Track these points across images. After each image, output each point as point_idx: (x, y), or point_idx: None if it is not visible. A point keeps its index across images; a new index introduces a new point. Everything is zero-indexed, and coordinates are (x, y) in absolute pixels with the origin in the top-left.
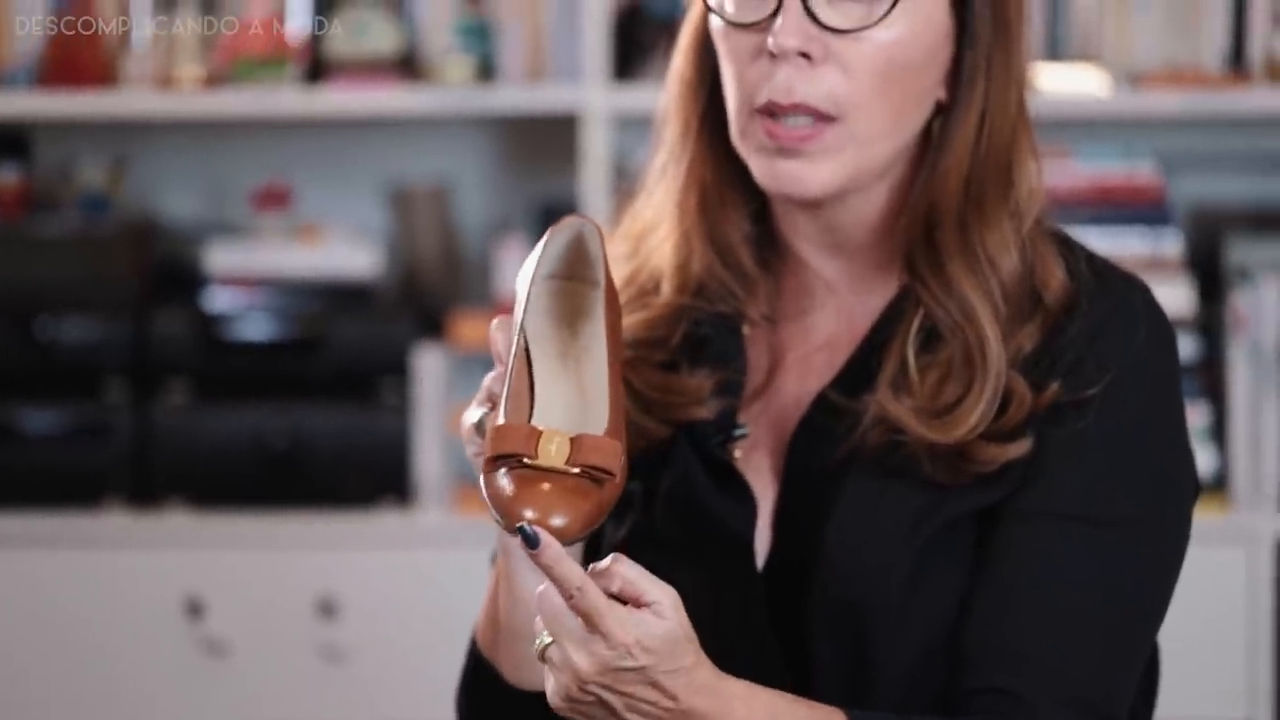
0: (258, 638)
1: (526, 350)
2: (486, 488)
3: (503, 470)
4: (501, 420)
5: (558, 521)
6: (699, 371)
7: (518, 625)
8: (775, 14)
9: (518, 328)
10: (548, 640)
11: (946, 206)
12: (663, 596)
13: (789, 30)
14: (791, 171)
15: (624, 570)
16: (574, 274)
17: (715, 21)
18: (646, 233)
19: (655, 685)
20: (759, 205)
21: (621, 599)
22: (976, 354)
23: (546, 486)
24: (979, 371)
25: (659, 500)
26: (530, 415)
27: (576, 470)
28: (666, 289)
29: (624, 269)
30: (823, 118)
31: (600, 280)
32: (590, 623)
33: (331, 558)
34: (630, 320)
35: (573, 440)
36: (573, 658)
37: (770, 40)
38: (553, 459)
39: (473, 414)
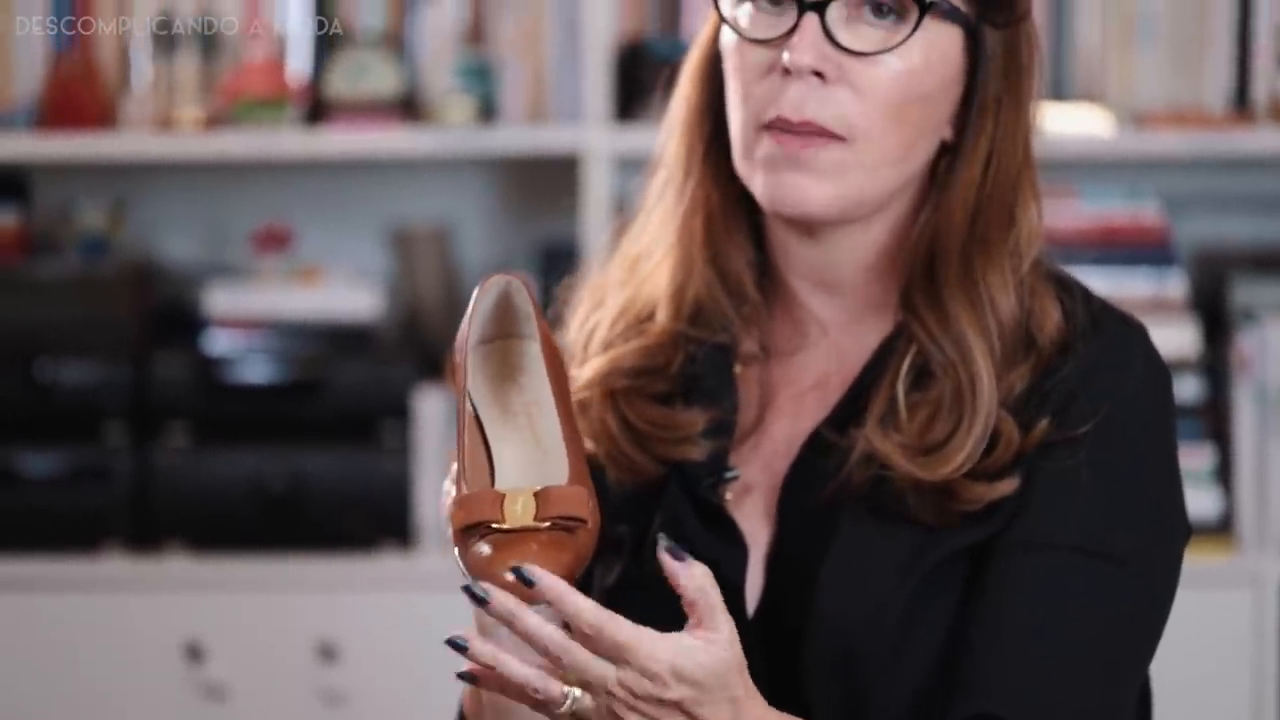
0: (258, 681)
1: (477, 417)
2: (463, 560)
3: (475, 540)
4: (464, 492)
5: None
6: (692, 409)
7: (502, 704)
8: (791, 32)
9: (464, 398)
10: (577, 695)
11: (950, 242)
12: (724, 627)
13: (805, 48)
14: (795, 184)
15: (708, 587)
16: (506, 332)
17: (727, 37)
18: (642, 257)
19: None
20: (761, 235)
21: (687, 607)
22: (967, 392)
23: (521, 547)
24: (968, 410)
25: (649, 544)
26: (493, 480)
27: (547, 524)
28: (662, 316)
29: (619, 296)
30: (830, 136)
31: (534, 333)
32: (619, 657)
33: (332, 601)
34: (627, 349)
35: (537, 495)
36: (611, 694)
37: (785, 56)
38: (520, 518)
39: (453, 491)
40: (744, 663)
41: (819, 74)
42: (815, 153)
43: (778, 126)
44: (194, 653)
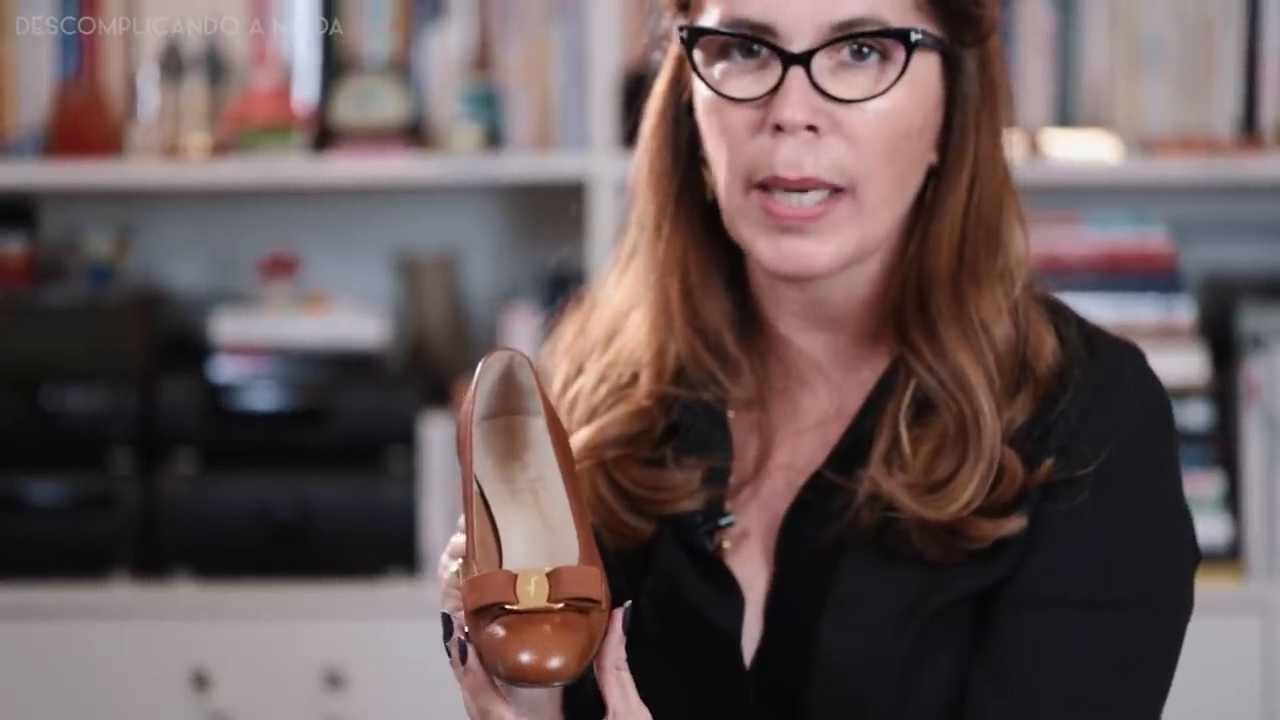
0: (264, 709)
1: (482, 495)
2: (474, 641)
3: (488, 622)
4: (475, 572)
5: (555, 662)
6: (686, 461)
7: None
8: (777, 87)
9: (470, 478)
10: None
11: (940, 272)
12: None
13: (796, 104)
14: (799, 250)
15: None
16: (510, 409)
17: (703, 95)
18: (619, 319)
19: None
20: (739, 278)
21: None
22: (970, 426)
23: (535, 628)
24: (973, 444)
25: (644, 595)
26: (500, 559)
27: (561, 605)
28: (644, 379)
29: (599, 363)
30: (832, 190)
31: (539, 409)
32: None
33: (338, 629)
34: (612, 416)
35: (549, 576)
36: None
37: (777, 114)
38: (533, 600)
39: (451, 566)
40: None
41: (812, 127)
42: (816, 222)
43: (767, 187)
44: (200, 681)
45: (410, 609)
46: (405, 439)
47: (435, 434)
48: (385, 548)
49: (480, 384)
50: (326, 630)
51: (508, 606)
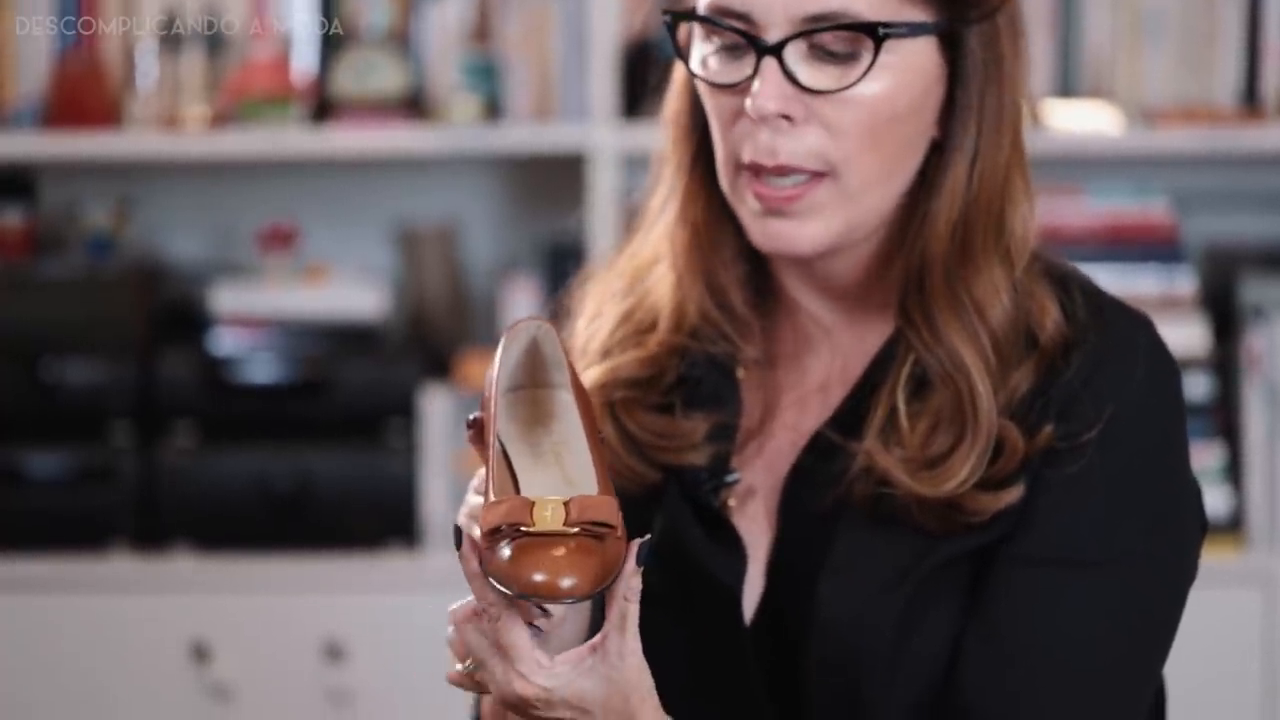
0: (265, 682)
1: (505, 456)
2: (487, 562)
3: (502, 542)
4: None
5: (568, 582)
6: (694, 415)
7: None
8: (753, 76)
9: (493, 439)
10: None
11: (935, 254)
12: (629, 648)
13: (767, 94)
14: (783, 231)
15: (634, 600)
16: (536, 381)
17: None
18: (644, 268)
19: None
20: (751, 247)
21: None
22: (968, 405)
23: (549, 550)
24: (970, 423)
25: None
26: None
27: (576, 530)
28: (662, 327)
29: (620, 306)
30: (812, 174)
31: (565, 382)
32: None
33: (338, 601)
34: (624, 359)
35: (567, 503)
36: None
37: (748, 103)
38: (550, 523)
39: (475, 530)
40: (649, 686)
41: (787, 116)
42: (795, 204)
43: (753, 171)
44: (200, 653)
45: (410, 581)
46: (405, 411)
47: (435, 406)
48: (385, 520)
49: (506, 353)
50: (326, 602)
51: (523, 529)
